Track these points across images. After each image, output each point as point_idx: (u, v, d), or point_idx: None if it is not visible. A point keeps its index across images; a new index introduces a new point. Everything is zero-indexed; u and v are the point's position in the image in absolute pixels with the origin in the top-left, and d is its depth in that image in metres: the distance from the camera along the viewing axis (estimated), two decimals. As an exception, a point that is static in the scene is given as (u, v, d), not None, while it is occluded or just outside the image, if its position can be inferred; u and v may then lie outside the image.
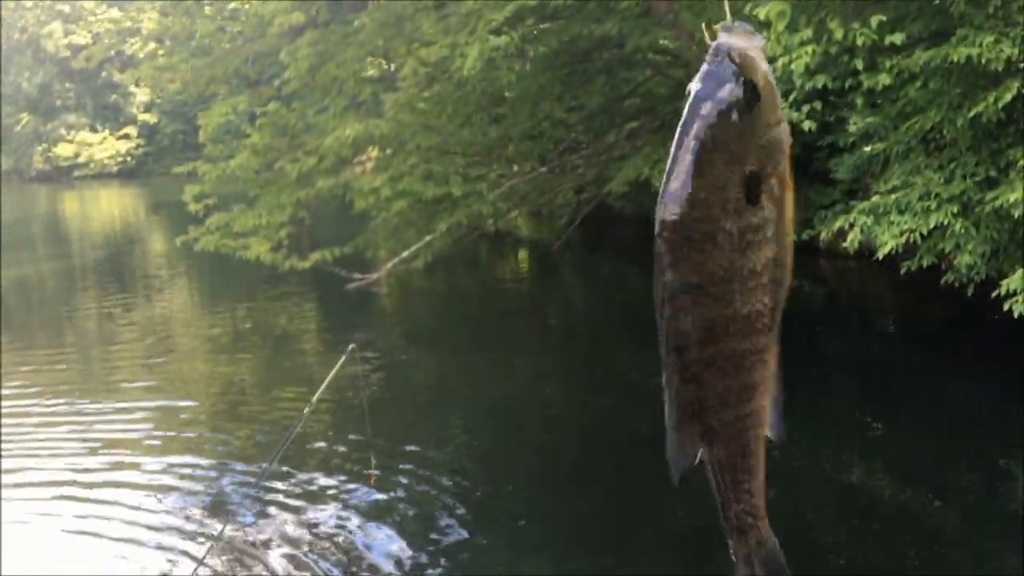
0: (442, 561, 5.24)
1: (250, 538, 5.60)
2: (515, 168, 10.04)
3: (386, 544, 5.43)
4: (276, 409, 8.55)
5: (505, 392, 8.69)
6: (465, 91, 9.37)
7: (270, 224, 8.65)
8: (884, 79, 6.98)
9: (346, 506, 6.01)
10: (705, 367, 1.26)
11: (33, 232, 32.18)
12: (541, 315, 12.59)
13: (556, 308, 13.18)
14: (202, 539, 5.63)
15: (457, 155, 9.24)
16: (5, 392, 9.34)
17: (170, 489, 6.62)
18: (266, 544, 5.52)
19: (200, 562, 4.84)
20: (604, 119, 10.87)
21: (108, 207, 43.49)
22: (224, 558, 5.33)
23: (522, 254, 17.81)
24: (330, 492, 6.29)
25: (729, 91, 1.19)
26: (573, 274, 15.80)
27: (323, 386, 4.22)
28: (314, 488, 6.36)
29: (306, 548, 5.43)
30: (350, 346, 4.64)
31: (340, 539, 5.53)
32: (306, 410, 4.22)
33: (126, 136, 61.60)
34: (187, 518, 6.06)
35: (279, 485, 6.27)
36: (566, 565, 5.16)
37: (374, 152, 11.07)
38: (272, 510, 6.01)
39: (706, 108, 1.20)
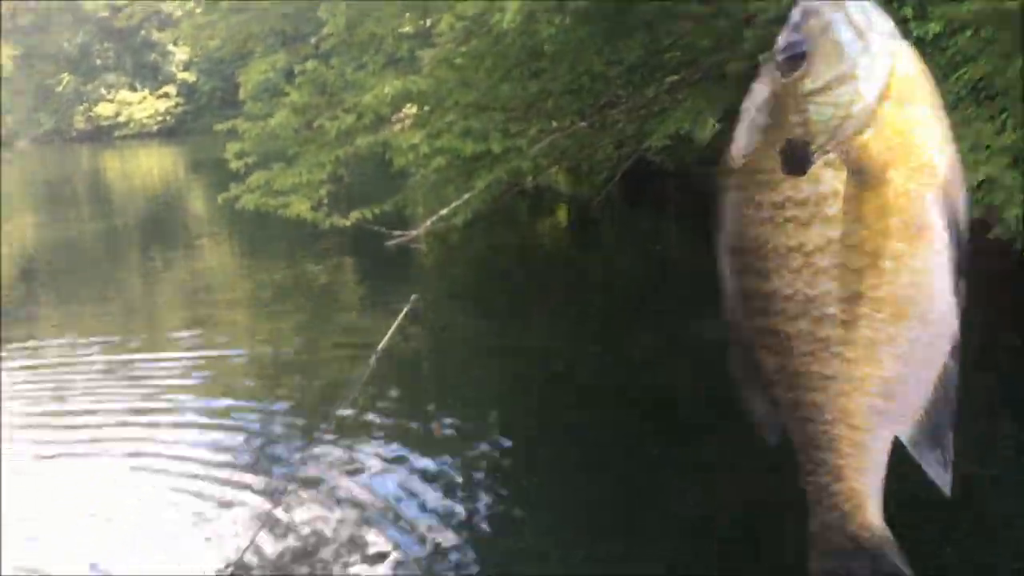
0: (477, 527, 5.29)
1: (311, 487, 5.71)
2: (554, 123, 9.96)
3: (430, 501, 5.51)
4: (324, 359, 8.70)
5: (541, 349, 8.73)
6: (504, 45, 9.28)
7: (310, 182, 8.68)
8: (933, 27, 6.81)
9: (400, 458, 6.09)
10: (754, 336, 1.22)
11: (76, 191, 32.66)
12: (579, 272, 12.58)
13: (594, 265, 13.15)
14: (263, 489, 5.75)
15: (496, 111, 9.17)
16: (54, 345, 9.58)
17: (229, 435, 6.74)
18: (326, 494, 5.62)
19: (276, 502, 4.95)
20: (644, 72, 10.72)
21: (148, 166, 43.95)
22: (284, 508, 5.45)
23: (561, 210, 17.77)
24: (388, 441, 6.36)
25: (776, 52, 1.13)
26: (612, 230, 15.73)
27: (389, 334, 4.24)
28: (373, 437, 6.45)
29: (362, 500, 5.53)
30: (412, 296, 4.66)
31: (389, 492, 5.63)
32: (372, 358, 4.24)
33: (165, 95, 62.14)
34: (248, 466, 6.17)
35: (337, 435, 6.38)
36: (584, 542, 5.12)
37: (412, 109, 11.05)
38: (332, 458, 6.12)
39: (758, 71, 1.16)
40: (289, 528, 5.20)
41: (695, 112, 9.11)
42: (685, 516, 5.28)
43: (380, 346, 4.11)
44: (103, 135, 60.36)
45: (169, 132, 60.11)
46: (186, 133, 57.91)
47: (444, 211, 9.05)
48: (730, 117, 1.21)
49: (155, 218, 23.17)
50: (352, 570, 4.77)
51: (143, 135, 60.02)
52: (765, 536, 4.78)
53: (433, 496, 5.58)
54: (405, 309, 4.50)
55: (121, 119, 61.20)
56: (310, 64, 9.45)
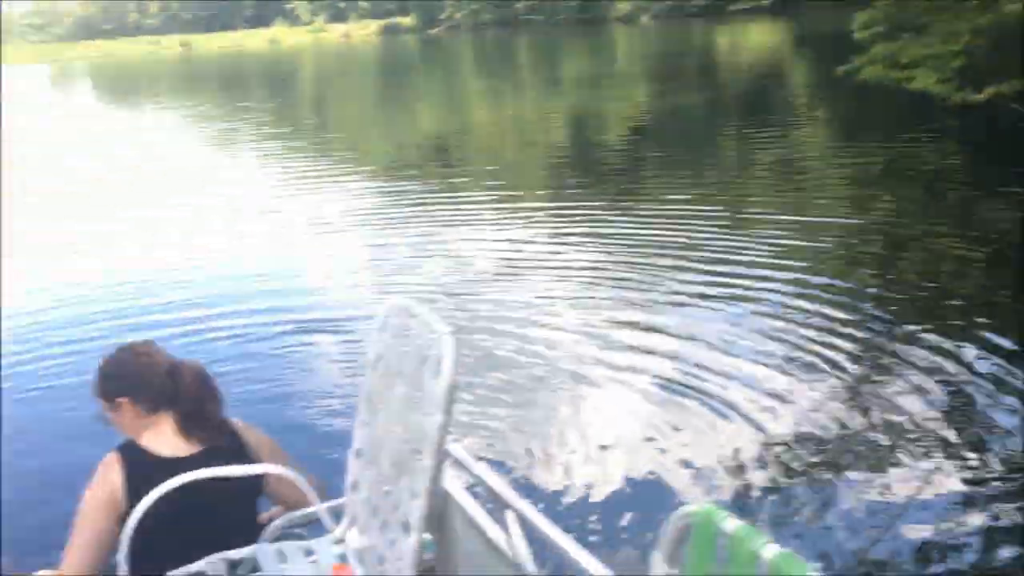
0: None
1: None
2: None
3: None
4: (928, 243, 8.10)
5: None
6: None
7: (941, 54, 7.97)
8: None
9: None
10: None
11: (687, 64, 34.59)
12: None
13: None
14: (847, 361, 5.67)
15: None
16: (652, 203, 10.43)
17: (828, 309, 6.61)
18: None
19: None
20: None
21: (757, 40, 44.54)
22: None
23: None
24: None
25: None
26: None
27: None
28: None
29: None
30: None
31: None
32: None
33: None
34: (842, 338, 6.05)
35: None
36: None
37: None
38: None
39: None
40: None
41: None
42: None
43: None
44: (717, 11, 62.61)
45: (778, 7, 60.17)
46: (795, 7, 57.32)
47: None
48: None
49: (757, 91, 23.55)
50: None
51: (755, 10, 60.97)
52: None
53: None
54: None
55: (736, -7, 62.93)
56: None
